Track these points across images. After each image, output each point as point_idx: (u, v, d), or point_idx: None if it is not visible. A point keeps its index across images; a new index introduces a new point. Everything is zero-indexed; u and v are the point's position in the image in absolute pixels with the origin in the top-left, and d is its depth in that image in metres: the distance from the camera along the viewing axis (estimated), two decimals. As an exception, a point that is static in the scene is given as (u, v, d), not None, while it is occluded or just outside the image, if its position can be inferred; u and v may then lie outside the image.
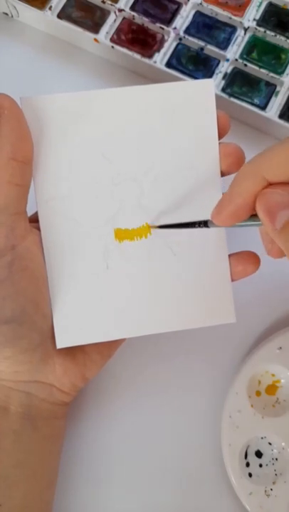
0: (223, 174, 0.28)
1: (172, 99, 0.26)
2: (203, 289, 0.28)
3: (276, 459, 0.32)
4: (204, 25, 0.38)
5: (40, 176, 0.26)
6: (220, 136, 0.27)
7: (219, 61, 0.37)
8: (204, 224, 0.25)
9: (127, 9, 0.38)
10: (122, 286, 0.27)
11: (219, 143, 0.27)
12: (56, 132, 0.26)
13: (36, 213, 0.27)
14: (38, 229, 0.26)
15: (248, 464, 0.31)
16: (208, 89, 0.27)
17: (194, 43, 0.37)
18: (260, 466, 0.31)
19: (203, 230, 0.25)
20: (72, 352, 0.27)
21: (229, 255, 0.28)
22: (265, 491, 0.31)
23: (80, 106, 0.26)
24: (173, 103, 0.27)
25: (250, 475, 0.31)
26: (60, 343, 0.27)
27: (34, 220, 0.26)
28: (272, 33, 0.38)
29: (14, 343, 0.25)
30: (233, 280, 0.28)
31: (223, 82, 0.37)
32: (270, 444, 0.32)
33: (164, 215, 0.27)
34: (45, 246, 0.26)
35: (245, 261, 0.28)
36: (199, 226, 0.25)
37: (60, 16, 0.37)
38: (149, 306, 0.27)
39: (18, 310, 0.25)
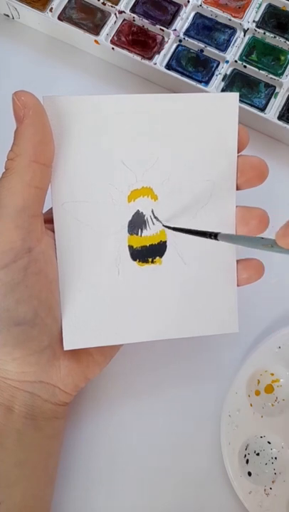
0: (241, 187, 0.28)
1: (196, 111, 0.26)
2: (210, 298, 0.28)
3: (275, 458, 0.32)
4: (204, 27, 0.38)
5: (57, 179, 0.26)
6: (238, 150, 0.27)
7: (219, 63, 0.38)
8: (214, 236, 0.25)
9: (128, 11, 0.38)
10: (131, 292, 0.27)
11: (239, 155, 0.27)
12: (76, 134, 0.25)
13: (48, 213, 0.27)
14: (52, 230, 0.26)
15: (247, 463, 0.31)
16: (232, 102, 0.26)
17: (194, 44, 0.38)
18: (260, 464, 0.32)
19: (214, 242, 0.25)
20: (77, 353, 0.28)
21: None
22: (265, 490, 0.31)
23: (103, 109, 0.25)
24: (197, 114, 0.26)
25: (249, 474, 0.31)
26: (68, 345, 0.27)
27: (46, 220, 0.26)
28: (272, 35, 0.38)
29: (24, 345, 0.25)
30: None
31: (222, 83, 0.37)
32: (269, 443, 0.32)
33: (177, 225, 0.27)
34: (58, 249, 0.26)
35: (250, 269, 0.28)
36: (210, 237, 0.25)
37: (60, 17, 0.38)
38: (156, 313, 0.28)
39: (30, 313, 0.25)
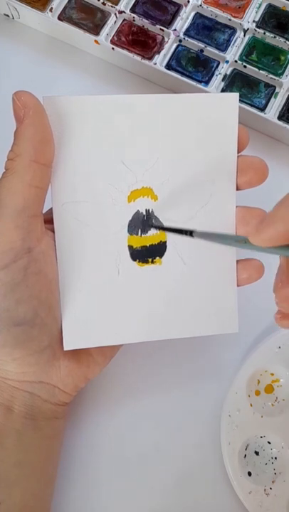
0: (241, 188, 0.28)
1: (196, 111, 0.26)
2: (210, 298, 0.28)
3: (275, 458, 0.32)
4: (204, 27, 0.38)
5: (57, 179, 0.26)
6: (238, 150, 0.27)
7: (219, 63, 0.38)
8: (190, 233, 0.25)
9: (128, 11, 0.38)
10: (131, 292, 0.27)
11: (240, 155, 0.27)
12: (76, 134, 0.25)
13: (48, 213, 0.27)
14: (52, 230, 0.26)
15: (247, 463, 0.31)
16: (232, 103, 0.26)
17: (194, 44, 0.38)
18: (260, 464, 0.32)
19: (214, 242, 0.25)
20: (77, 353, 0.28)
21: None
22: (265, 490, 0.31)
23: (103, 110, 0.25)
24: (197, 115, 0.26)
25: (249, 474, 0.31)
26: (68, 345, 0.27)
27: (46, 220, 0.26)
28: (272, 35, 0.38)
29: (24, 345, 0.25)
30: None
31: (222, 83, 0.37)
32: (269, 443, 0.32)
33: (176, 225, 0.27)
34: (58, 249, 0.26)
35: (250, 269, 0.28)
36: (186, 234, 0.25)
37: (60, 17, 0.38)
38: (156, 313, 0.28)
39: (30, 313, 0.25)
